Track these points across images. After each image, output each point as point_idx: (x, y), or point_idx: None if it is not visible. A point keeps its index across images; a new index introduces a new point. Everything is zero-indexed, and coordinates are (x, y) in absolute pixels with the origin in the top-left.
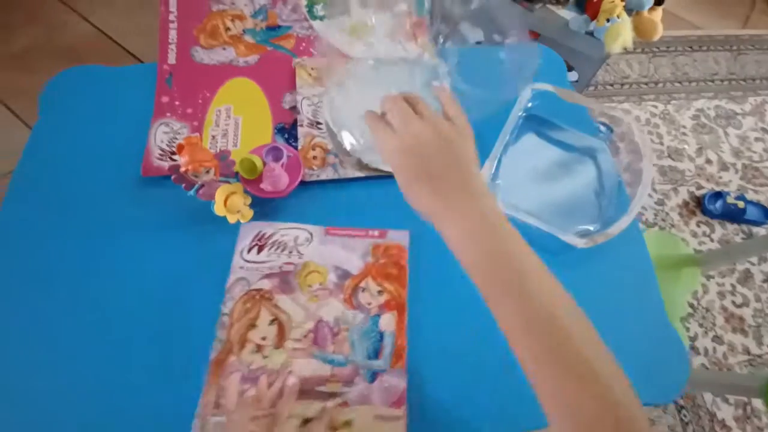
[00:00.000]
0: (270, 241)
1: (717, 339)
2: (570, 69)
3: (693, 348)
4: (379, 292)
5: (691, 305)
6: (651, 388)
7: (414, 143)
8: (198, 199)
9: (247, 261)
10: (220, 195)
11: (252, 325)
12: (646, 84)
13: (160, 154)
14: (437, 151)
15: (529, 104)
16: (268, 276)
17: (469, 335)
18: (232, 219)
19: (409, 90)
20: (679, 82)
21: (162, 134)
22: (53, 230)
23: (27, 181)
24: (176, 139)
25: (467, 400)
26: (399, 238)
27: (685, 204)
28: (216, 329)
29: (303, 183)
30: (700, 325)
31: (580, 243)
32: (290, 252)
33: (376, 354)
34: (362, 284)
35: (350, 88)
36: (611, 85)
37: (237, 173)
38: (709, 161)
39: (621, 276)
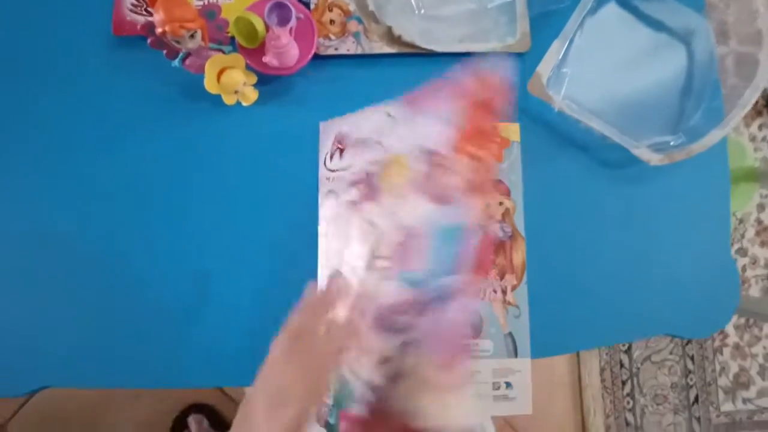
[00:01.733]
0: (352, 140)
1: (741, 251)
2: None
3: None
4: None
5: None
6: (696, 318)
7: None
8: (185, 71)
9: (332, 170)
10: (210, 68)
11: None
12: None
13: (134, 5)
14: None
15: None
16: (354, 183)
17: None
18: (228, 100)
19: None
20: None
21: None
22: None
23: None
24: None
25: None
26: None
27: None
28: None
29: (316, 56)
30: None
31: (654, 159)
32: (372, 147)
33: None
34: (446, 163)
35: None
36: None
37: (232, 38)
38: None
39: (691, 197)
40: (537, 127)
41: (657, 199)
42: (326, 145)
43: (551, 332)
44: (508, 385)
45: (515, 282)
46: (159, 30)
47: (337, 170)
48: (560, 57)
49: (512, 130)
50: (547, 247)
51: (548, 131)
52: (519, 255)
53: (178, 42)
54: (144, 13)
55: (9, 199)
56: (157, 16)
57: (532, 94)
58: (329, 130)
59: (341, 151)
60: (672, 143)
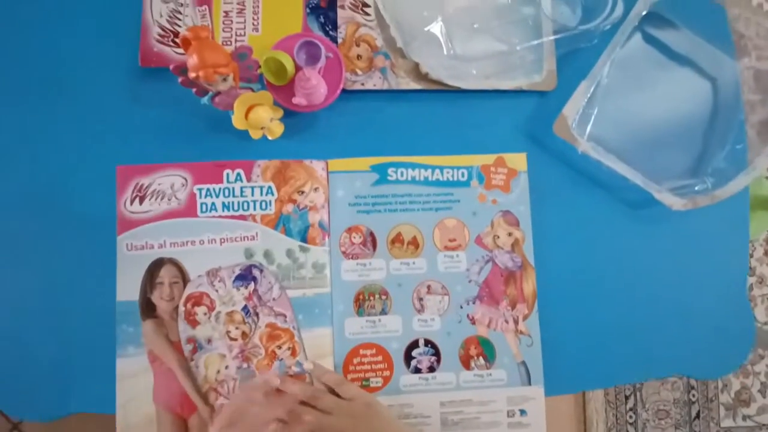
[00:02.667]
0: None
1: (749, 270)
2: None
3: None
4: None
5: None
6: (709, 359)
7: None
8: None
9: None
10: (239, 106)
11: None
12: None
13: (161, 35)
14: None
15: None
16: None
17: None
18: (255, 135)
19: None
20: None
21: (160, 3)
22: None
23: None
24: (179, 13)
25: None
26: None
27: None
28: None
29: (342, 90)
30: None
31: (677, 204)
32: None
33: None
34: None
35: None
36: None
37: (261, 75)
38: None
39: (708, 236)
40: (545, 155)
41: (672, 235)
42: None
43: (562, 369)
44: (523, 412)
45: (526, 311)
46: (192, 75)
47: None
48: (588, 95)
49: (519, 160)
50: (558, 277)
51: (557, 160)
52: (529, 285)
53: (209, 84)
54: (171, 44)
55: (28, 233)
56: (191, 61)
57: (557, 135)
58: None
59: None
60: (696, 188)
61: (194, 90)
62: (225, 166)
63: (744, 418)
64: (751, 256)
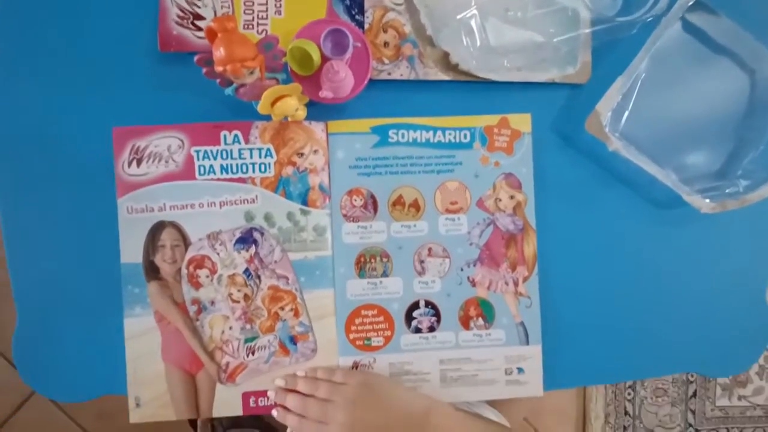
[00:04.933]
0: None
1: None
2: None
3: None
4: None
5: None
6: (723, 356)
7: (349, 420)
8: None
9: None
10: (267, 98)
11: None
12: None
13: (180, 17)
14: (367, 410)
15: None
16: None
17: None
18: (277, 118)
19: None
20: None
21: None
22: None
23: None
24: None
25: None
26: None
27: None
28: None
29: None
30: None
31: (705, 207)
32: None
33: None
34: None
35: None
36: None
37: (285, 63)
38: None
39: (733, 242)
40: (550, 114)
41: (695, 240)
42: None
43: (564, 363)
44: (520, 370)
45: (526, 273)
46: (219, 69)
47: None
48: (624, 90)
49: (523, 121)
50: (559, 240)
51: (563, 121)
52: (530, 247)
53: (236, 78)
54: (191, 26)
55: (54, 213)
56: (218, 54)
57: (589, 132)
58: None
59: None
60: (727, 190)
61: (218, 81)
62: (222, 127)
63: (739, 398)
64: None
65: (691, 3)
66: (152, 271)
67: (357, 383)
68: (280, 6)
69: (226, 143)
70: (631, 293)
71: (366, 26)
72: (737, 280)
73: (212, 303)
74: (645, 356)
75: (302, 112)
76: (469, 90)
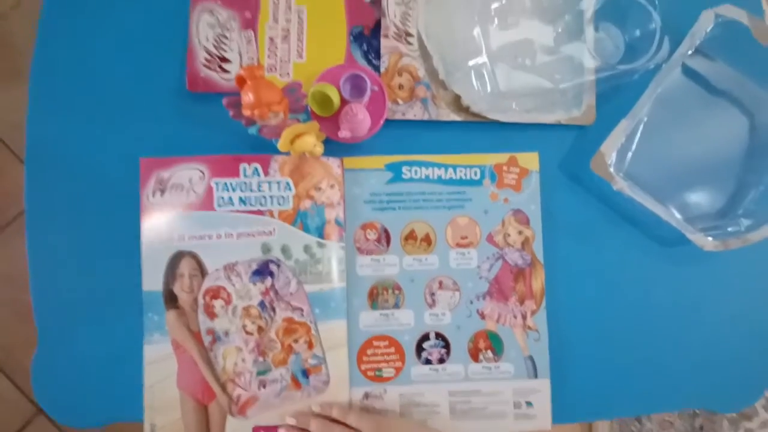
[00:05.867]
0: None
1: None
2: None
3: None
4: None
5: None
6: (728, 391)
7: None
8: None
9: None
10: (287, 136)
11: None
12: None
13: (207, 60)
14: None
15: (706, 32)
16: None
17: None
18: (296, 154)
19: None
20: None
21: (206, 27)
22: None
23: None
24: (225, 37)
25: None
26: None
27: None
28: None
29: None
30: None
31: (708, 245)
32: None
33: None
34: None
35: None
36: None
37: (306, 105)
38: None
39: (738, 279)
40: (557, 154)
41: (699, 277)
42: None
43: (572, 397)
44: (529, 404)
45: (534, 307)
46: (247, 113)
47: None
48: (628, 132)
49: (531, 159)
50: (566, 276)
51: (569, 161)
52: (538, 282)
53: (262, 120)
54: (218, 69)
55: (81, 238)
56: (246, 99)
57: (594, 171)
58: None
59: None
60: (729, 229)
61: (243, 122)
62: (242, 159)
63: (746, 431)
64: None
65: (690, 52)
66: (171, 299)
67: (371, 430)
68: (302, 50)
69: (245, 176)
70: (636, 328)
71: (382, 70)
72: (742, 315)
73: (226, 334)
74: (652, 391)
75: (320, 149)
76: (480, 130)
